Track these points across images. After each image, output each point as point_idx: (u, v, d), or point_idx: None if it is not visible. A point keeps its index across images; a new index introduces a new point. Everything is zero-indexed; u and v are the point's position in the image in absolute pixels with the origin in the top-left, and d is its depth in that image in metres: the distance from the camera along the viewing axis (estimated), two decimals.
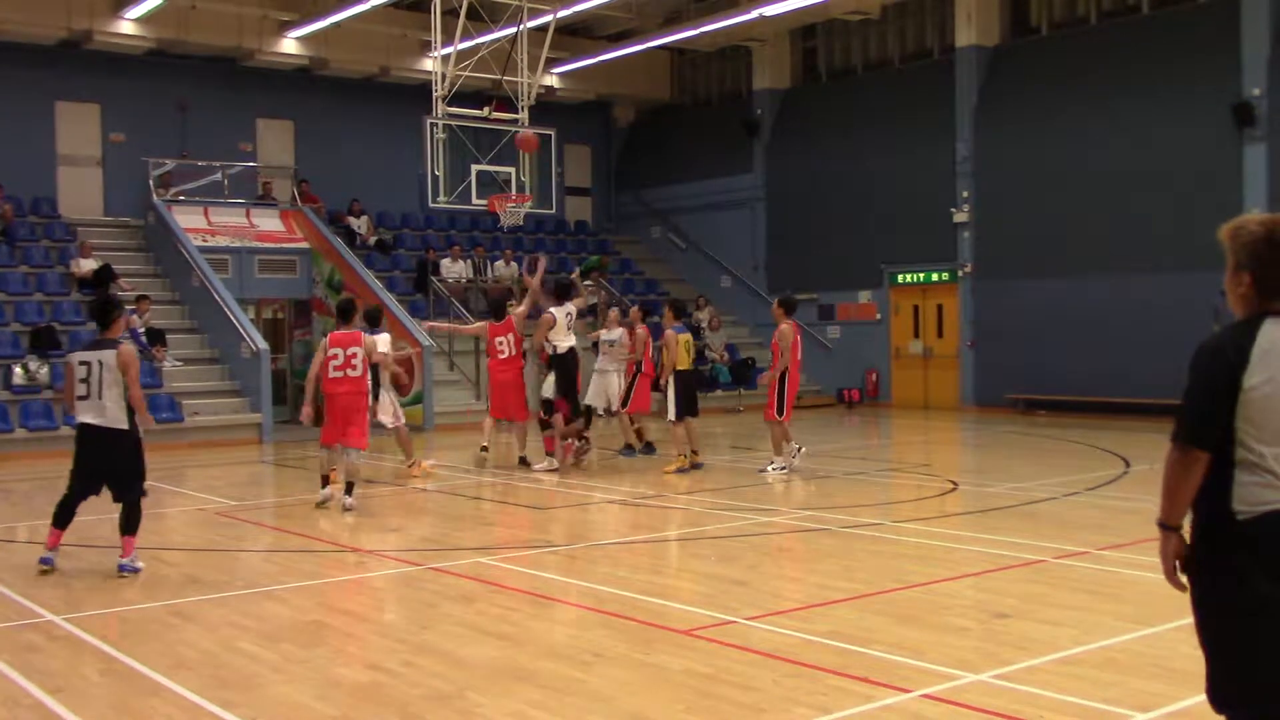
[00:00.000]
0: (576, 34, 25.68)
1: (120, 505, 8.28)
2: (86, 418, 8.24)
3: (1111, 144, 19.79)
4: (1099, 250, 19.85)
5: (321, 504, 11.23)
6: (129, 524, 8.26)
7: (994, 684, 5.40)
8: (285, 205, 22.83)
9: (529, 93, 19.46)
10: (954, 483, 12.35)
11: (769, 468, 13.05)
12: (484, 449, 14.26)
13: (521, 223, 20.88)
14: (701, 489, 12.19)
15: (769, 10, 21.70)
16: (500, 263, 24.33)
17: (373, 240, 24.11)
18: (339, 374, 11.15)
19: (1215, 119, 18.46)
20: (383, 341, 13.14)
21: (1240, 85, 18.36)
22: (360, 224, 24.07)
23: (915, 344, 23.08)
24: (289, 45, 23.48)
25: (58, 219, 21.94)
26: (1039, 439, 16.59)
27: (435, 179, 18.55)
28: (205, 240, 20.87)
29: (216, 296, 19.33)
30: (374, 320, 13.17)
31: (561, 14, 20.66)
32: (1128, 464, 13.61)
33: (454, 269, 23.50)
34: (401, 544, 9.74)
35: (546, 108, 23.13)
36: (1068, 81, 20.66)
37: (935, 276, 22.62)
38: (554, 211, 22.13)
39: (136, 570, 8.26)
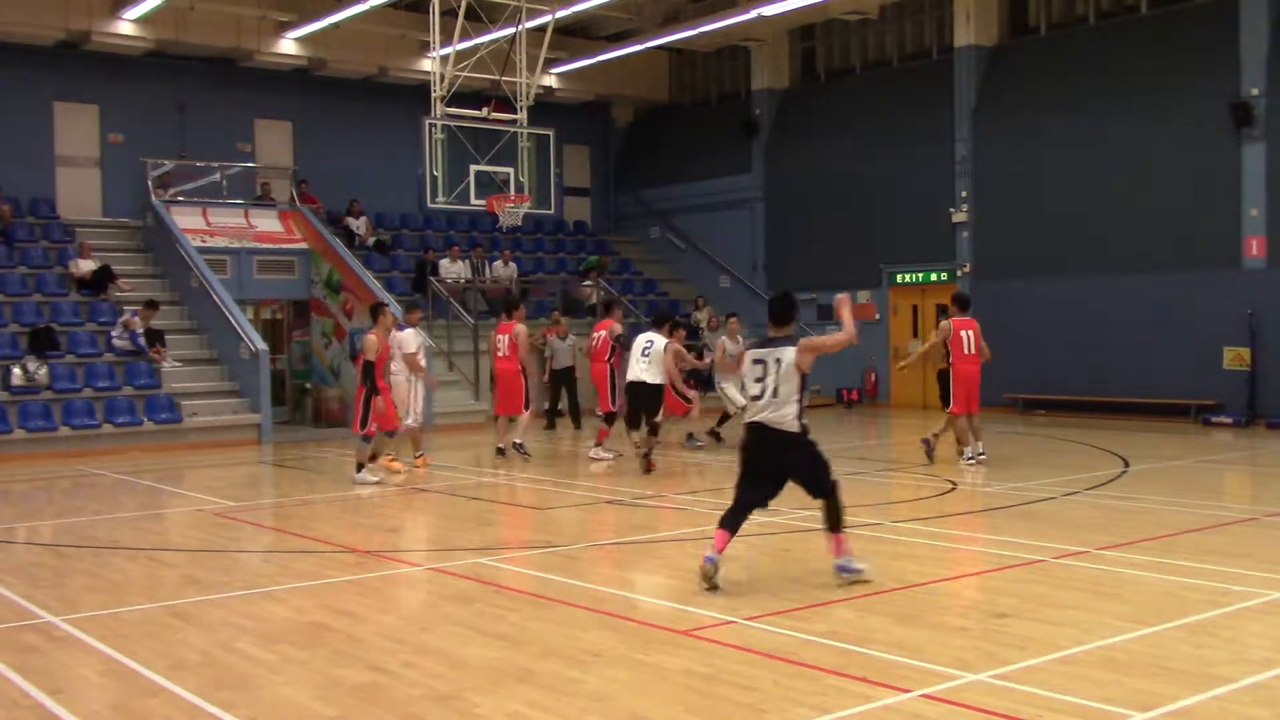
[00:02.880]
0: (575, 34, 25.68)
1: (821, 503, 7.58)
2: (759, 418, 7.56)
3: (1110, 144, 19.80)
4: (1098, 250, 19.86)
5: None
6: (834, 520, 7.55)
7: (993, 684, 5.40)
8: (284, 206, 22.82)
9: (528, 93, 19.47)
10: (953, 483, 12.35)
11: (961, 460, 13.56)
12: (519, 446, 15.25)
13: (520, 223, 20.89)
14: (701, 489, 12.18)
15: (767, 10, 21.71)
16: (499, 263, 24.32)
17: (371, 241, 24.10)
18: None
19: (1214, 118, 18.47)
20: (408, 340, 14.02)
21: (1239, 85, 18.37)
22: (359, 224, 24.06)
23: (914, 344, 23.06)
24: (287, 46, 23.48)
25: (56, 220, 21.94)
26: (1038, 439, 16.58)
27: (434, 179, 18.55)
28: (204, 241, 20.86)
29: (215, 297, 19.33)
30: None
31: (560, 14, 20.66)
32: (1127, 464, 13.61)
33: (453, 269, 23.49)
34: (401, 544, 9.74)
35: (545, 108, 23.13)
36: (1066, 81, 20.66)
37: (934, 276, 22.63)
38: (553, 212, 22.12)
39: (858, 571, 7.46)
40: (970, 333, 13.68)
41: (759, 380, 7.53)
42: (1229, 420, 17.90)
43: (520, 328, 14.75)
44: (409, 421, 13.96)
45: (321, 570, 8.56)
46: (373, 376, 12.72)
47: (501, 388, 14.89)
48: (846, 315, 8.24)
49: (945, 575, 7.76)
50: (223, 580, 8.31)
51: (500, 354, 14.78)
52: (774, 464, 7.58)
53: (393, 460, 13.82)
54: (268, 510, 12.07)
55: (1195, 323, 18.43)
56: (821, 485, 7.56)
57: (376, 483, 12.77)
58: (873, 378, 23.55)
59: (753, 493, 7.59)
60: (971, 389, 13.65)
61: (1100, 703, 5.08)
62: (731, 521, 7.53)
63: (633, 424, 13.71)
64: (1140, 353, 19.04)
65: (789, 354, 7.47)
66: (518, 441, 14.81)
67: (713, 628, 6.51)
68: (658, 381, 13.48)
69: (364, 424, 12.81)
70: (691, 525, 10.18)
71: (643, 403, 13.54)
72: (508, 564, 8.73)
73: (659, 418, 13.84)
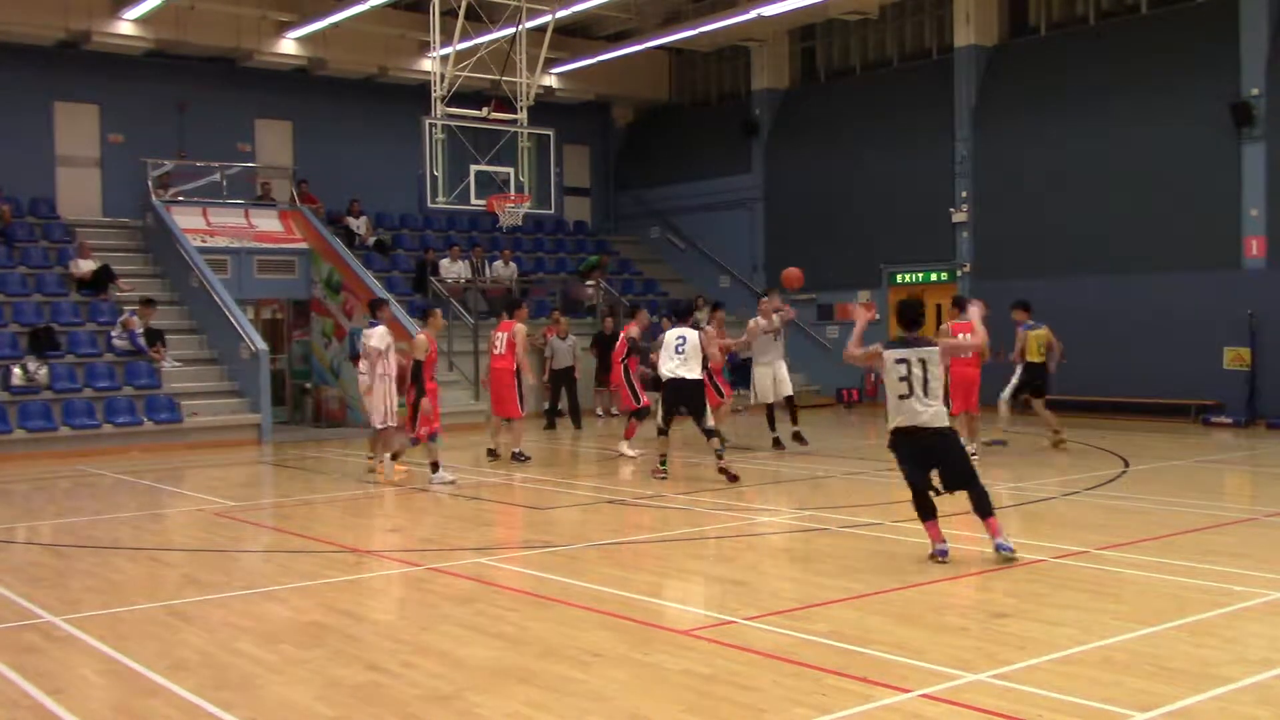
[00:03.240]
0: (575, 34, 25.68)
1: (969, 492, 8.06)
2: (902, 419, 8.04)
3: (1110, 144, 19.79)
4: (1098, 250, 19.85)
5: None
6: (985, 506, 8.05)
7: (993, 684, 5.40)
8: (284, 206, 22.82)
9: (528, 93, 19.47)
10: None
11: None
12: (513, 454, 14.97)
13: (520, 223, 20.89)
14: (701, 489, 12.19)
15: (767, 10, 21.71)
16: (499, 263, 24.32)
17: (371, 241, 24.11)
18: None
19: (1214, 119, 18.46)
20: (377, 335, 13.54)
21: (1239, 85, 18.37)
22: (359, 224, 24.07)
23: None
24: (287, 46, 23.48)
25: (56, 220, 21.95)
26: (1039, 439, 16.57)
27: (434, 179, 18.56)
28: (204, 241, 20.87)
29: (215, 297, 19.33)
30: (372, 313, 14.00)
31: (560, 14, 20.66)
32: (1127, 464, 13.61)
33: (453, 269, 23.50)
34: (401, 544, 9.74)
35: (545, 108, 23.13)
36: (1066, 81, 20.66)
37: (934, 276, 22.62)
38: (553, 212, 22.13)
39: (1012, 550, 7.92)
40: (966, 336, 13.83)
41: (903, 379, 8.03)
42: (1229, 420, 17.89)
43: (520, 327, 14.68)
44: (375, 422, 13.46)
45: (321, 570, 8.56)
46: (420, 378, 12.62)
47: (495, 387, 14.68)
48: (978, 320, 9.23)
49: (945, 575, 7.76)
50: (223, 580, 8.31)
51: (496, 351, 14.62)
52: (928, 457, 8.09)
53: (380, 464, 13.67)
54: (268, 510, 12.07)
55: (1195, 323, 18.42)
56: (967, 474, 8.08)
57: (452, 481, 12.69)
58: (873, 378, 23.50)
59: (921, 475, 8.10)
60: (968, 389, 13.99)
61: (1100, 703, 5.08)
62: (927, 511, 8.08)
63: (679, 419, 13.31)
64: (1140, 353, 19.02)
65: (933, 354, 8.08)
66: (516, 450, 14.70)
67: (713, 628, 6.51)
68: (696, 376, 12.97)
69: (414, 427, 12.75)
70: (692, 525, 10.18)
71: (684, 400, 12.98)
72: (507, 564, 8.74)
73: (709, 417, 13.06)
